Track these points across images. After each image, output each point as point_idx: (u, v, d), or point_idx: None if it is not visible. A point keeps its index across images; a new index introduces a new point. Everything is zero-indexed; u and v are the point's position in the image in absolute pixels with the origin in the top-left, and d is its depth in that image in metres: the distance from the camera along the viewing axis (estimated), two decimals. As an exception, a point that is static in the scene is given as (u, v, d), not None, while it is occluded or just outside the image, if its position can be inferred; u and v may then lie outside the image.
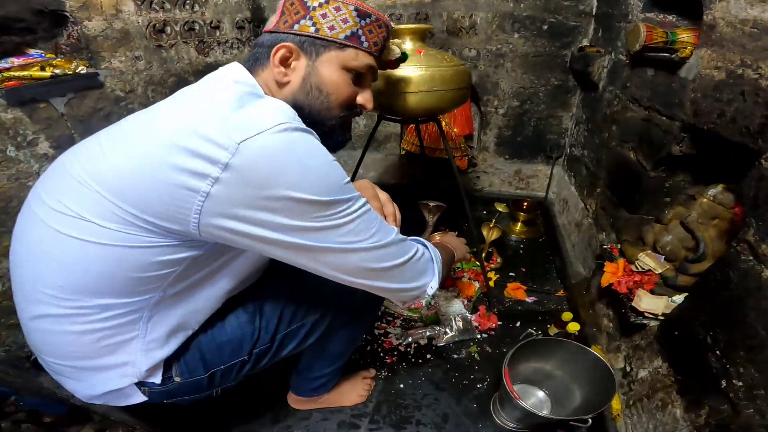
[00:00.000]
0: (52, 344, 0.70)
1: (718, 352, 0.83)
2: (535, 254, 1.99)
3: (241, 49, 1.81)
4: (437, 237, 1.25)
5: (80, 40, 1.24)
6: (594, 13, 1.82)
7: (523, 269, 1.86)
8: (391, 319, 1.56)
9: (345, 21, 0.75)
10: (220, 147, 0.57)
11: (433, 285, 0.82)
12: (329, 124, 0.80)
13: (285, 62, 0.75)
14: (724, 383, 0.80)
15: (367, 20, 0.77)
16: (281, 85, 0.76)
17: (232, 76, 0.72)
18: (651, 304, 1.12)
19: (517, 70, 2.06)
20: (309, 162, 0.61)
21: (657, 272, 1.17)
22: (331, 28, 0.74)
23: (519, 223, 2.13)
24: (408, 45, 1.25)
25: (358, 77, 0.80)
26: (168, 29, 1.47)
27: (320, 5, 0.74)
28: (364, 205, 0.69)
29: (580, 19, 1.86)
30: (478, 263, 1.69)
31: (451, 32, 2.02)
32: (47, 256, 0.64)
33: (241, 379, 0.89)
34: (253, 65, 0.76)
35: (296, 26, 0.74)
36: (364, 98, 0.83)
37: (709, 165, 1.12)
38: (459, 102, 1.29)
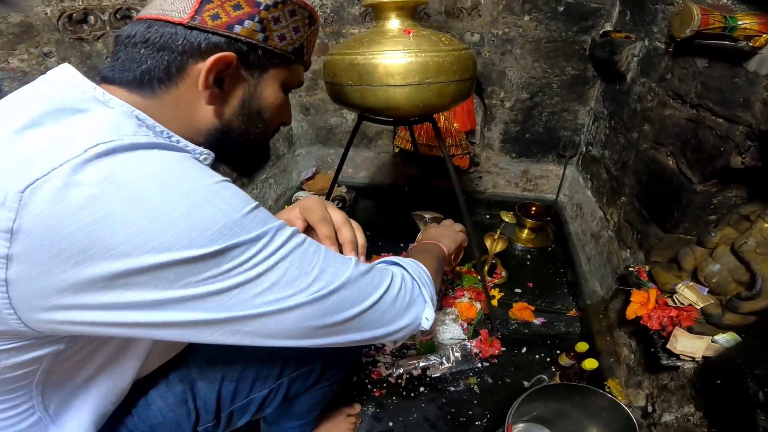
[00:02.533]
0: None
1: None
2: (544, 266, 1.83)
3: None
4: (419, 237, 1.03)
5: None
6: (620, -7, 1.61)
7: (530, 284, 1.70)
8: (381, 345, 1.38)
9: (297, 30, 0.60)
10: None
11: (427, 315, 0.60)
12: (257, 147, 0.66)
13: (217, 78, 0.54)
14: None
15: (313, 27, 0.63)
16: (200, 115, 0.55)
17: (57, 83, 0.48)
18: (689, 345, 0.98)
19: (528, 58, 1.86)
20: (163, 197, 0.38)
21: (698, 307, 1.01)
22: (282, 37, 0.58)
23: (526, 230, 1.95)
24: (394, 23, 1.01)
25: (286, 93, 0.66)
26: (91, 19, 1.22)
27: (274, 5, 0.55)
28: (290, 239, 0.46)
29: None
30: (479, 278, 1.51)
31: (450, 13, 1.81)
32: None
33: None
34: (147, 82, 0.51)
35: (238, 27, 0.53)
36: (288, 116, 0.70)
37: (772, 180, 0.92)
38: (460, 97, 1.05)
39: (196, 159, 0.48)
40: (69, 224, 0.35)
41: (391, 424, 1.18)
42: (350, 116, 2.20)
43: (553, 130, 2.02)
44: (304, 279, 0.46)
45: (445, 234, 0.90)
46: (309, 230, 0.66)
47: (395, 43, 0.93)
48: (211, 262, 0.40)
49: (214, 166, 0.58)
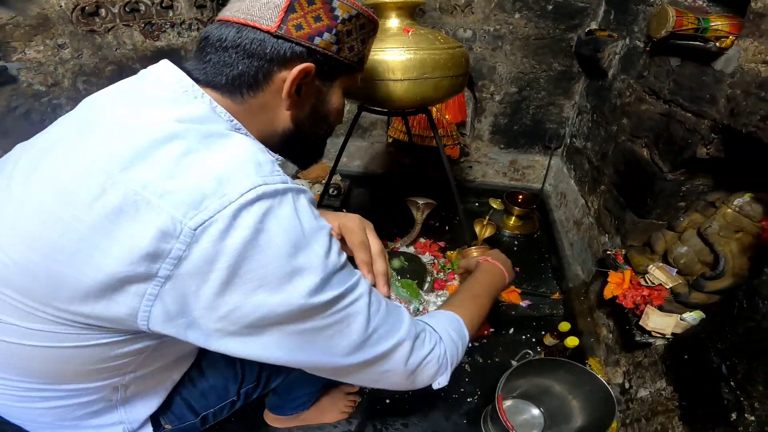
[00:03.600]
0: (16, 416, 0.59)
1: (732, 382, 0.79)
2: (530, 251, 1.91)
3: (201, 30, 1.56)
4: (474, 253, 1.02)
5: None
6: (605, -8, 1.68)
7: (517, 269, 1.76)
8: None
9: (363, 42, 0.63)
10: (169, 236, 0.41)
11: (441, 382, 0.62)
12: (318, 145, 0.72)
13: (298, 88, 0.58)
14: (734, 416, 0.76)
15: (373, 38, 0.67)
16: (279, 119, 0.59)
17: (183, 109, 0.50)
18: (659, 322, 1.05)
19: (517, 54, 1.92)
20: (293, 249, 0.45)
21: (667, 287, 1.08)
22: (351, 49, 0.61)
23: (513, 218, 2.02)
24: (394, 22, 1.07)
25: None
26: (102, 11, 1.24)
27: (349, 19, 0.58)
28: (364, 294, 0.52)
29: (589, -1, 1.71)
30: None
31: (445, 10, 1.86)
32: None
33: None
34: (237, 87, 0.54)
35: (317, 39, 0.56)
36: (342, 116, 0.75)
37: (735, 169, 1.01)
38: (454, 91, 1.12)
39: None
40: (222, 260, 0.41)
41: (387, 401, 1.23)
42: (347, 107, 2.22)
43: (539, 122, 2.09)
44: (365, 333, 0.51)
45: (508, 266, 0.91)
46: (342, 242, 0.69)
47: (395, 41, 0.99)
48: (311, 311, 0.47)
49: None
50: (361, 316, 0.50)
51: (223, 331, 0.45)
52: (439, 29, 1.86)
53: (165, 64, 0.54)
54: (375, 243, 0.69)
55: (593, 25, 1.75)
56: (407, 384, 0.58)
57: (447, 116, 2.01)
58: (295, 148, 0.64)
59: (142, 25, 1.34)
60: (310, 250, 0.46)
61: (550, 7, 1.77)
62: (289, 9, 0.53)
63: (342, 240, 0.69)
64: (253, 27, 0.53)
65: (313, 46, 0.56)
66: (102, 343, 0.49)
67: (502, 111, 2.09)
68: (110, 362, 0.53)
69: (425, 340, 0.58)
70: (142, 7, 1.32)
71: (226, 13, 0.56)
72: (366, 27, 0.62)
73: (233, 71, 0.54)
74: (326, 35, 0.56)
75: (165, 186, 0.41)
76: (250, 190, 0.42)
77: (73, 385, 0.55)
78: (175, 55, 1.48)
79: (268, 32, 0.53)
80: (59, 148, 0.47)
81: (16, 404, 0.55)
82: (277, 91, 0.56)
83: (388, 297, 0.60)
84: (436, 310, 0.72)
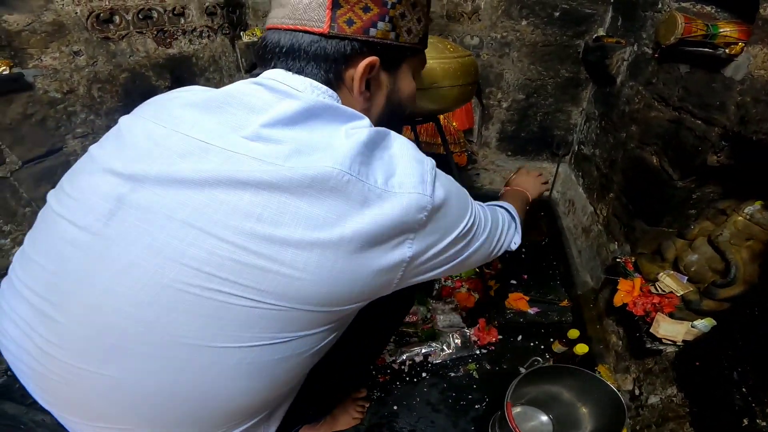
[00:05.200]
0: None
1: (744, 389, 0.79)
2: (538, 259, 1.89)
3: (212, 38, 1.60)
4: (508, 181, 1.17)
5: (0, 37, 1.06)
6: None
7: (525, 276, 1.76)
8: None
9: (420, 21, 0.60)
10: (420, 209, 0.51)
11: (516, 240, 0.80)
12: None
13: (367, 83, 0.58)
14: (746, 422, 0.76)
15: (429, 14, 0.65)
16: (363, 111, 0.59)
17: (319, 99, 0.53)
18: (670, 330, 1.05)
19: (524, 61, 1.92)
20: (460, 205, 0.59)
21: (678, 294, 1.08)
22: (409, 31, 0.58)
23: (520, 225, 2.00)
24: None
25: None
26: (117, 19, 1.28)
27: (399, 1, 0.56)
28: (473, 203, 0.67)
29: (596, 6, 1.71)
30: (477, 270, 1.58)
31: (452, 17, 1.86)
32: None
33: None
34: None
35: (372, 30, 0.54)
36: (415, 98, 0.75)
37: (745, 177, 1.00)
38: (463, 100, 1.11)
39: None
40: (448, 202, 0.54)
41: (395, 407, 1.23)
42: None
43: (547, 129, 2.08)
44: (488, 225, 0.68)
45: (530, 184, 1.05)
46: None
47: (405, 51, 1.00)
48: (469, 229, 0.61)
49: None
50: (491, 221, 0.70)
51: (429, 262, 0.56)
52: (446, 37, 1.87)
53: (282, 72, 0.55)
54: None
55: (600, 32, 1.75)
56: (499, 243, 0.75)
57: (454, 123, 2.01)
58: None
59: (155, 32, 1.36)
60: (464, 200, 0.61)
61: (557, 14, 1.77)
62: (334, 5, 0.52)
63: None
64: (305, 31, 0.53)
65: (371, 39, 0.55)
66: (312, 333, 0.53)
67: (509, 118, 2.09)
68: (297, 362, 0.55)
69: (503, 216, 0.78)
70: (155, 15, 1.35)
71: (274, 20, 0.56)
72: (418, 5, 0.59)
73: (317, 77, 0.55)
74: (381, 24, 0.55)
75: (395, 180, 0.50)
76: (432, 169, 0.53)
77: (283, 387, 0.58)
78: (187, 63, 1.51)
79: (321, 34, 0.53)
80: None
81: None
82: (349, 90, 0.57)
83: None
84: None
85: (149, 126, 0.51)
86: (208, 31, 1.56)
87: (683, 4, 1.14)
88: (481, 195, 2.25)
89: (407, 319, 1.44)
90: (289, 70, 0.55)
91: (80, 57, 1.19)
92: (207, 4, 1.53)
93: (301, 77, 0.54)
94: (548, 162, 2.19)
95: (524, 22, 1.82)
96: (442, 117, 1.96)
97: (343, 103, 0.56)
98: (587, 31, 1.78)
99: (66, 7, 1.14)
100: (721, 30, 0.95)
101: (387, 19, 0.55)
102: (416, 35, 0.60)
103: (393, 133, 0.55)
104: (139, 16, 1.31)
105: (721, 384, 0.84)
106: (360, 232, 0.46)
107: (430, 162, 0.54)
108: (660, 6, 1.24)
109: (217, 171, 0.45)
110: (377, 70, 0.57)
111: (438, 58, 1.01)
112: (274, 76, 0.54)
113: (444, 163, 1.31)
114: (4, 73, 1.05)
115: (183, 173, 0.45)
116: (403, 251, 0.51)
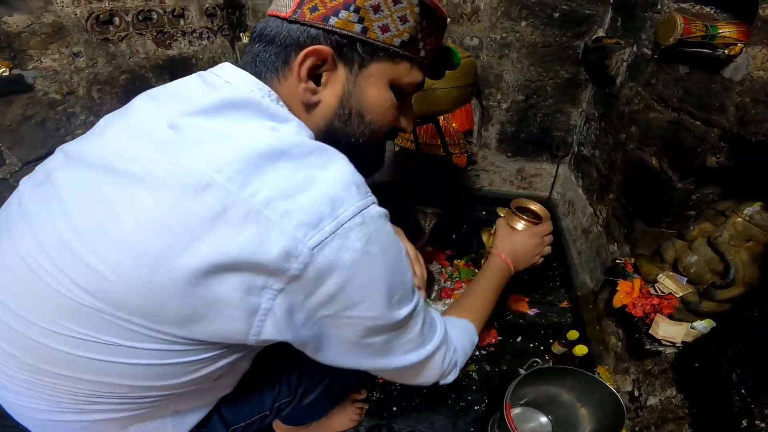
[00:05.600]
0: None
1: (743, 391, 0.79)
2: (537, 260, 1.88)
3: (212, 39, 1.60)
4: (518, 225, 1.01)
5: (0, 39, 1.06)
6: (612, 0, 1.67)
7: (525, 276, 1.74)
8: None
9: (404, 20, 0.53)
10: (291, 255, 0.42)
11: (449, 380, 0.69)
12: (367, 151, 0.63)
13: (314, 74, 0.53)
14: (745, 423, 0.76)
15: (430, 19, 0.56)
16: (308, 106, 0.55)
17: (245, 94, 0.50)
18: (669, 331, 1.05)
19: (524, 62, 1.92)
20: (390, 269, 0.49)
21: (678, 296, 1.07)
22: (384, 28, 0.52)
23: (520, 226, 2.00)
24: None
25: (401, 95, 0.60)
26: (116, 20, 1.28)
27: None
28: (421, 301, 0.57)
29: (595, 6, 1.72)
30: (477, 271, 1.57)
31: (451, 18, 1.87)
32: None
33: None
34: (262, 73, 0.54)
35: (333, 19, 0.50)
36: (406, 122, 0.65)
37: (745, 178, 1.00)
38: (463, 101, 1.12)
39: None
40: (333, 276, 0.44)
41: (395, 408, 1.22)
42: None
43: (547, 130, 2.08)
44: (425, 338, 0.59)
45: (522, 253, 0.95)
46: None
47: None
48: (396, 325, 0.53)
49: None
50: (419, 323, 0.57)
51: (306, 332, 0.49)
52: (446, 38, 1.87)
53: (228, 66, 0.54)
54: (410, 249, 0.74)
55: (600, 33, 1.75)
56: (425, 381, 0.65)
57: (454, 124, 2.01)
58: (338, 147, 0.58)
59: (155, 33, 1.36)
60: (400, 272, 0.51)
61: (557, 15, 1.77)
62: None
63: None
64: (275, 16, 0.53)
65: (329, 27, 0.50)
66: (199, 358, 0.50)
67: (509, 119, 2.09)
68: (194, 375, 0.52)
69: (445, 345, 0.64)
70: (155, 16, 1.35)
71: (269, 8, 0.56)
72: (402, 1, 0.52)
73: (262, 59, 0.54)
74: (343, 13, 0.50)
75: (283, 205, 0.42)
76: (358, 213, 0.45)
77: (139, 401, 0.53)
78: (187, 64, 1.51)
79: (284, 18, 0.52)
80: (146, 153, 0.45)
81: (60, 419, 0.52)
82: (300, 80, 0.53)
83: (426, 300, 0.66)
84: (450, 312, 0.76)
85: (116, 116, 0.54)
86: (207, 32, 1.56)
87: (682, 5, 1.14)
88: (480, 196, 2.29)
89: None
90: (254, 54, 0.54)
91: (80, 58, 1.19)
92: (207, 5, 1.53)
93: (240, 71, 0.52)
94: (548, 163, 2.19)
95: (524, 23, 1.83)
96: (441, 118, 1.96)
97: (284, 97, 0.53)
98: (587, 32, 1.78)
99: (66, 8, 1.14)
100: (721, 31, 0.95)
101: (352, 8, 0.50)
102: (395, 36, 0.53)
103: (338, 154, 0.49)
104: (139, 17, 1.31)
105: (720, 385, 0.84)
106: (198, 253, 0.41)
107: (368, 214, 0.46)
108: (659, 7, 1.24)
109: (116, 158, 0.46)
110: (331, 62, 0.52)
111: (437, 58, 1.01)
112: (217, 69, 0.54)
113: (443, 164, 1.32)
114: (4, 74, 1.05)
115: (91, 156, 0.48)
116: (258, 300, 0.44)
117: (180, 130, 0.46)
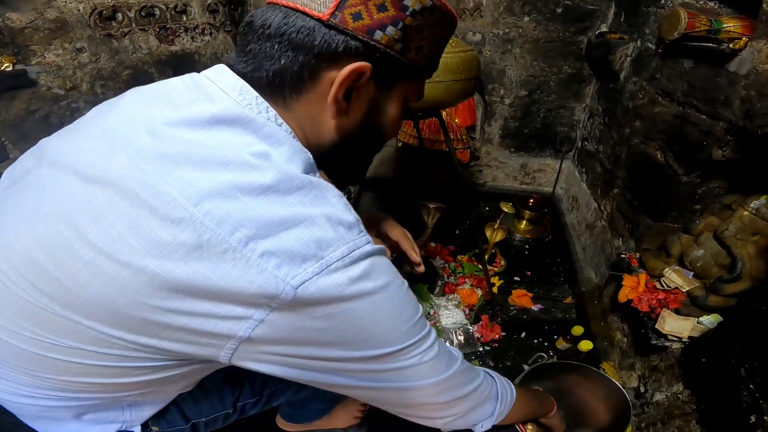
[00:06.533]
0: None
1: (751, 386, 0.79)
2: (541, 255, 1.89)
3: (214, 35, 1.59)
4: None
5: (3, 34, 1.05)
6: (615, -5, 1.67)
7: (529, 272, 1.76)
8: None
9: (435, 42, 0.51)
10: (271, 294, 0.40)
11: (485, 425, 0.64)
12: (363, 162, 0.63)
13: (348, 92, 0.48)
14: (753, 418, 0.76)
15: (444, 42, 0.54)
16: (323, 124, 0.50)
17: (237, 110, 0.45)
18: (676, 326, 1.04)
19: (527, 57, 1.91)
20: (382, 312, 0.46)
21: (684, 290, 1.07)
22: (419, 49, 0.49)
23: (524, 221, 2.01)
24: None
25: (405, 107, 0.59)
26: (119, 16, 1.28)
27: (422, 12, 0.47)
28: (435, 341, 0.53)
29: (599, 1, 1.71)
30: (480, 267, 1.58)
31: (454, 14, 1.86)
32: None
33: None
34: (279, 86, 0.47)
35: (379, 33, 0.45)
36: (398, 130, 0.64)
37: (751, 171, 1.00)
38: (465, 95, 1.12)
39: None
40: (317, 313, 0.42)
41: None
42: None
43: (550, 125, 2.08)
44: (436, 371, 0.53)
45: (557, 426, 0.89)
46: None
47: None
48: (390, 355, 0.48)
49: None
50: (429, 366, 0.52)
51: (282, 362, 0.47)
52: (448, 34, 1.86)
53: (225, 71, 0.48)
54: (405, 240, 0.84)
55: (603, 28, 1.74)
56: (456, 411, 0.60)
57: (457, 120, 2.01)
58: (338, 164, 0.56)
59: (157, 29, 1.36)
60: (398, 309, 0.48)
61: (560, 10, 1.77)
62: None
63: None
64: (303, 12, 0.45)
65: (373, 42, 0.45)
66: (163, 365, 0.48)
67: (512, 114, 2.09)
68: (155, 376, 0.51)
69: (474, 371, 0.62)
70: (157, 12, 1.35)
71: None
72: (441, 24, 0.50)
73: (275, 65, 0.46)
74: (390, 29, 0.45)
75: (264, 245, 0.40)
76: (347, 255, 0.42)
77: (98, 394, 0.53)
78: (189, 60, 1.51)
79: (319, 20, 0.44)
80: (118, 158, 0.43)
81: (18, 401, 0.52)
82: (323, 94, 0.47)
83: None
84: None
85: (103, 110, 0.52)
86: (210, 28, 1.56)
87: (686, 0, 1.14)
88: (483, 192, 2.29)
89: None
90: (263, 56, 0.47)
91: (83, 54, 1.20)
92: (209, 1, 1.53)
93: (237, 80, 0.47)
94: (551, 158, 2.19)
95: (527, 18, 1.82)
96: (444, 113, 1.96)
97: (293, 114, 0.48)
98: (590, 27, 1.78)
99: (69, 4, 1.14)
100: (725, 25, 0.95)
101: (400, 25, 0.46)
102: (425, 57, 0.51)
103: (330, 191, 0.45)
104: (142, 13, 1.31)
105: (727, 380, 0.83)
106: (171, 277, 0.39)
107: (358, 255, 0.43)
108: (663, 1, 1.24)
109: (89, 167, 0.43)
110: (366, 80, 0.47)
111: (440, 53, 1.01)
112: (212, 73, 0.49)
113: (447, 160, 1.31)
114: (8, 69, 1.05)
115: (65, 161, 0.45)
116: (233, 326, 0.41)
117: (160, 140, 0.43)
